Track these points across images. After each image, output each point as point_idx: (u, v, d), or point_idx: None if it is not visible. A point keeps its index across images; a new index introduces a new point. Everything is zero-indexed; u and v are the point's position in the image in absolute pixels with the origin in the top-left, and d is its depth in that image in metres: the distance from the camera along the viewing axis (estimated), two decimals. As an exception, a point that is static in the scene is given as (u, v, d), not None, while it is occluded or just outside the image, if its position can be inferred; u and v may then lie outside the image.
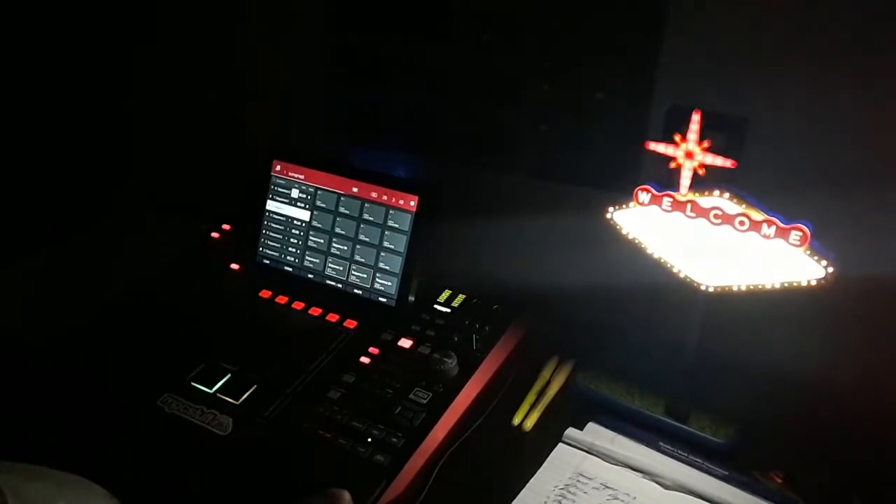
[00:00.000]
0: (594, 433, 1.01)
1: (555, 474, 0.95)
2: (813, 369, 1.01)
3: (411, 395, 1.02)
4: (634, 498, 0.92)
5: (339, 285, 1.20)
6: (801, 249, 0.82)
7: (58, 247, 1.36)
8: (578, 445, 0.99)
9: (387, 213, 1.16)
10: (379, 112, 1.27)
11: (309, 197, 1.22)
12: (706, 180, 0.86)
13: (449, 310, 1.17)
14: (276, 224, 1.25)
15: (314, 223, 1.22)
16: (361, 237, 1.18)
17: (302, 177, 1.22)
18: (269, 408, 1.02)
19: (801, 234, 0.81)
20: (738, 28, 0.92)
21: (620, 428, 1.01)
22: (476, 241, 1.21)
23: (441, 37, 1.15)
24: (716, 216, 0.85)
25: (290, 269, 1.24)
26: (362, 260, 1.18)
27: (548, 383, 1.10)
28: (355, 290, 1.19)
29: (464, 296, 1.20)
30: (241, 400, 1.03)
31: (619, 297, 1.09)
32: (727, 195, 0.85)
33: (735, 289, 0.90)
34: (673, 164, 0.87)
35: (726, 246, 0.87)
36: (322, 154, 1.24)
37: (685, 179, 0.87)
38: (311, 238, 1.22)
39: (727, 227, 0.85)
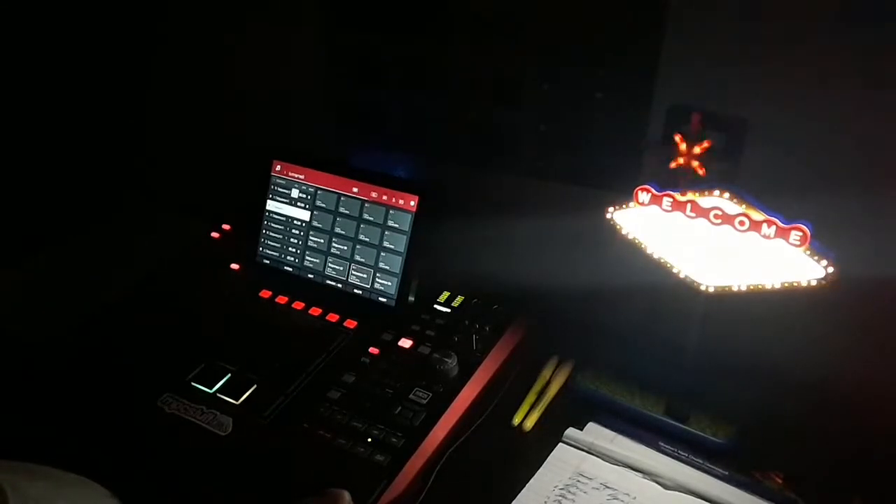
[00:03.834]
0: (594, 433, 1.01)
1: (555, 474, 0.95)
2: (813, 369, 1.01)
3: (411, 395, 1.02)
4: (634, 498, 0.92)
5: (339, 285, 1.20)
6: (801, 249, 0.82)
7: (58, 247, 1.36)
8: (578, 445, 0.99)
9: (387, 213, 1.16)
10: (379, 112, 1.27)
11: (309, 197, 1.22)
12: (706, 180, 0.86)
13: (449, 310, 1.17)
14: (276, 224, 1.25)
15: (314, 223, 1.22)
16: (361, 237, 1.18)
17: (302, 177, 1.22)
18: (269, 408, 1.02)
19: (801, 234, 0.81)
20: (738, 28, 0.92)
21: (620, 428, 1.01)
22: (476, 241, 1.21)
23: (441, 37, 1.15)
24: (716, 216, 0.85)
25: (290, 269, 1.24)
26: (362, 260, 1.18)
27: (548, 383, 1.10)
28: (355, 290, 1.19)
29: (464, 296, 1.20)
30: (241, 400, 1.03)
31: (619, 297, 1.09)
32: (727, 195, 0.85)
33: (735, 289, 0.90)
34: (673, 164, 0.87)
35: (726, 246, 0.87)
36: (322, 154, 1.24)
37: (685, 179, 0.87)
38: (311, 238, 1.22)
39: (727, 227, 0.85)
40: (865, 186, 0.91)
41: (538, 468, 0.96)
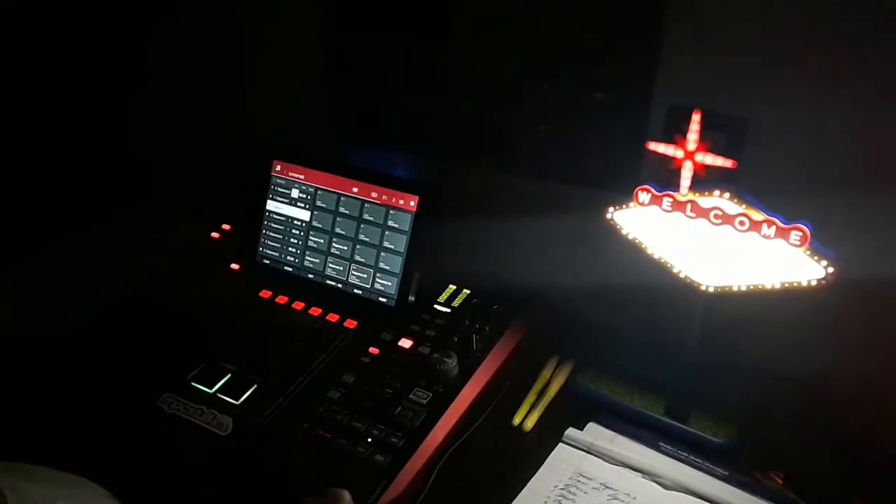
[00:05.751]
0: (594, 433, 1.01)
1: (555, 474, 0.96)
2: (813, 369, 1.01)
3: (411, 396, 1.02)
4: (634, 498, 0.92)
5: (339, 285, 1.20)
6: (801, 249, 0.82)
7: (58, 247, 1.36)
8: (578, 445, 0.99)
9: (387, 213, 1.16)
10: (379, 112, 1.27)
11: (309, 197, 1.22)
12: (706, 180, 0.86)
13: (449, 310, 1.17)
14: (276, 224, 1.25)
15: (314, 223, 1.22)
16: (361, 237, 1.18)
17: (302, 177, 1.22)
18: (269, 408, 1.02)
19: (801, 234, 0.81)
20: (738, 28, 0.92)
21: (620, 428, 1.01)
22: (476, 241, 1.21)
23: (441, 37, 1.15)
24: (716, 216, 0.85)
25: (290, 269, 1.24)
26: (362, 260, 1.18)
27: (548, 383, 1.10)
28: (355, 290, 1.19)
29: (464, 296, 1.20)
30: (241, 400, 1.03)
31: (620, 297, 1.09)
32: (727, 195, 0.85)
33: (735, 289, 0.90)
34: (673, 164, 0.87)
35: (726, 246, 0.87)
36: (322, 154, 1.24)
37: (685, 179, 0.87)
38: (311, 238, 1.22)
39: (727, 227, 0.85)
40: (865, 186, 0.91)
41: (538, 468, 0.96)
